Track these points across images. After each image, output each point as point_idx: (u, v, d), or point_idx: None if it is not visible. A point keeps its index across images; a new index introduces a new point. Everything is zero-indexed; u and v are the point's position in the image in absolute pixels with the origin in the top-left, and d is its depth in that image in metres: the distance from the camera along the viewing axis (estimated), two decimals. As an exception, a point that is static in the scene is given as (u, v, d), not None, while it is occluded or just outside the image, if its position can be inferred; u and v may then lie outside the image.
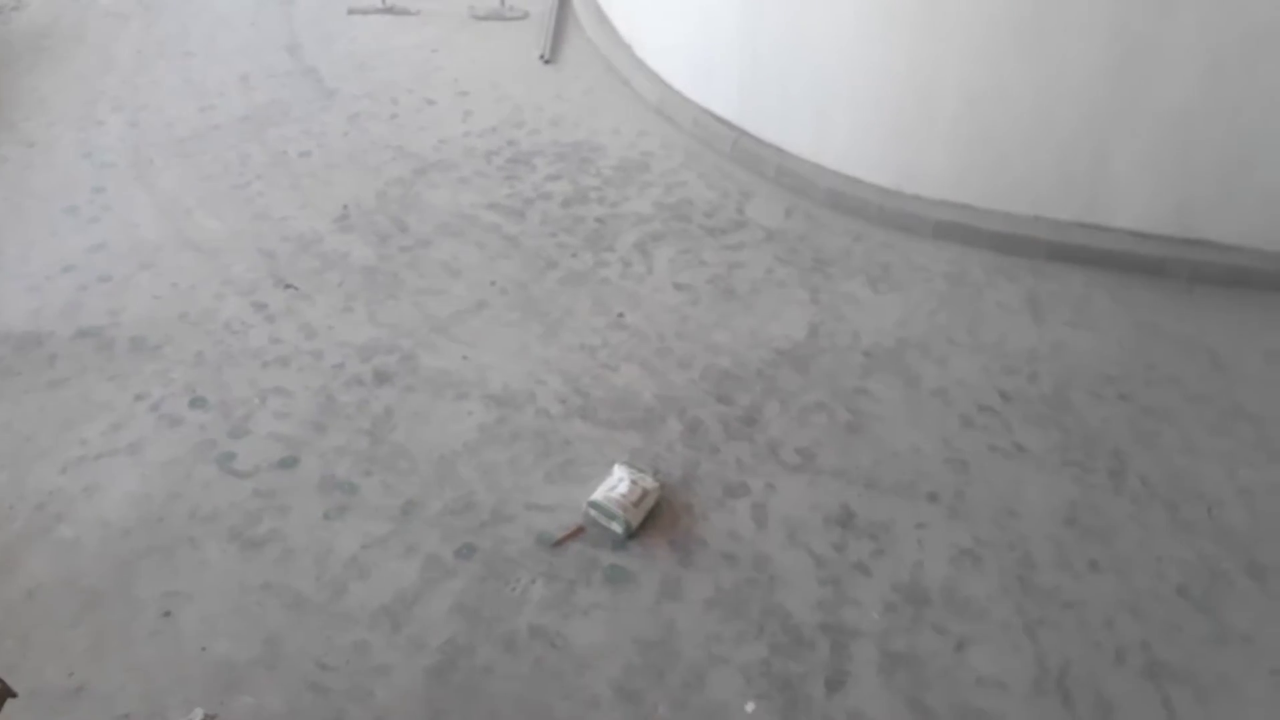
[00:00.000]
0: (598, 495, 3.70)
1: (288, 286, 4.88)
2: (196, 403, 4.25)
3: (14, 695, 2.56)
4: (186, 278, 4.94)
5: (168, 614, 3.43)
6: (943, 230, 5.13)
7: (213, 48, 6.95)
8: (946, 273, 4.96)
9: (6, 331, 4.64)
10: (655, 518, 3.73)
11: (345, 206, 5.42)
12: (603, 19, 6.99)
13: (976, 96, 4.84)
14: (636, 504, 3.67)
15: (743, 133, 5.75)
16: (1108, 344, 4.54)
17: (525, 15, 7.25)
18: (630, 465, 3.85)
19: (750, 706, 3.16)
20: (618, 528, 3.64)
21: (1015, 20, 4.56)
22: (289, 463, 3.98)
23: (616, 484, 3.72)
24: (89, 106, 6.32)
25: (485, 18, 7.24)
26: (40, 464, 3.99)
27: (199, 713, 3.09)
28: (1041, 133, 4.81)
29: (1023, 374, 4.39)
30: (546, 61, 6.74)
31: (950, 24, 4.70)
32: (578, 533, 3.69)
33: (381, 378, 4.37)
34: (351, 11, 7.33)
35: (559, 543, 3.66)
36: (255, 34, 7.12)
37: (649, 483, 3.76)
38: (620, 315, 4.72)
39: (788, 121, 5.54)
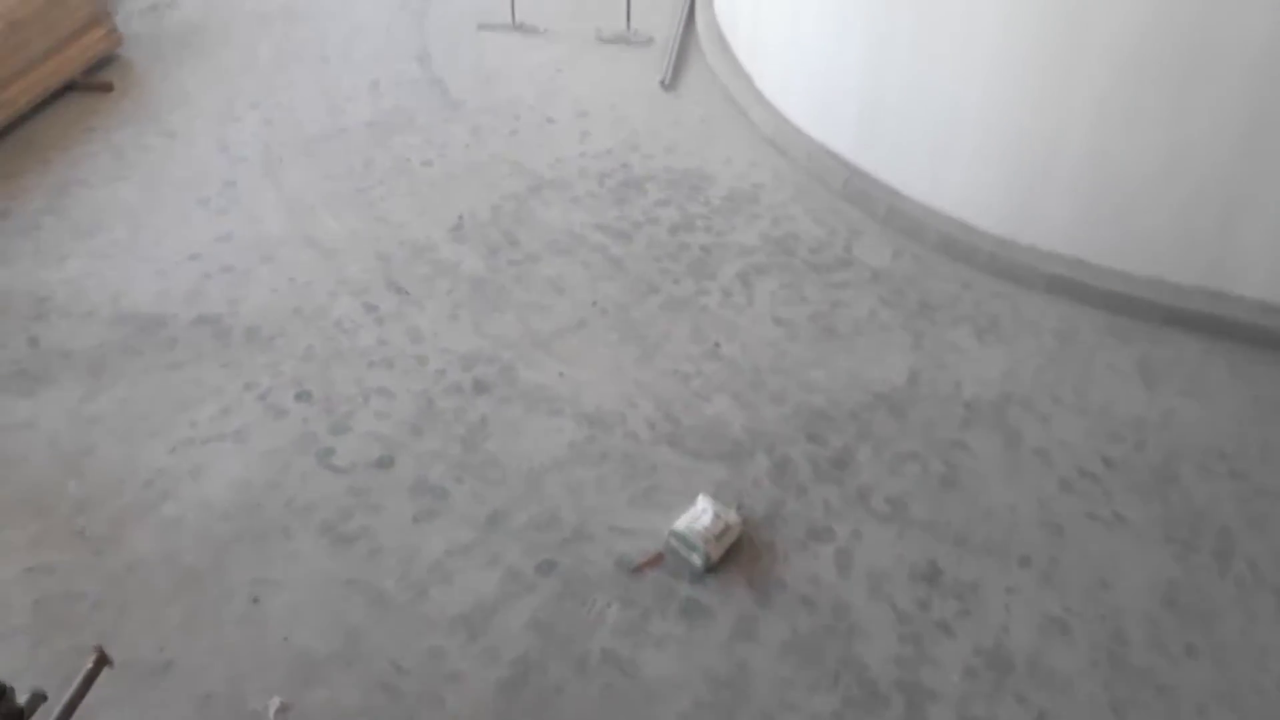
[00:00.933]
0: (680, 525, 3.71)
1: (399, 290, 5.03)
2: (302, 396, 4.42)
3: (110, 664, 2.69)
4: (304, 274, 5.14)
5: (256, 600, 3.56)
6: (1055, 284, 4.98)
7: (347, 54, 7.23)
8: (1056, 329, 4.81)
9: (133, 311, 4.91)
10: (736, 554, 3.72)
11: (460, 217, 5.57)
12: (725, 48, 7.02)
13: (1101, 152, 4.71)
14: (718, 538, 3.66)
15: (856, 170, 5.70)
16: (1222, 418, 4.34)
17: (650, 41, 7.34)
18: (714, 498, 3.84)
19: (817, 756, 3.11)
20: (697, 560, 3.64)
21: (1149, 81, 4.42)
22: (385, 462, 4.10)
23: (700, 515, 3.72)
24: (228, 103, 6.64)
25: (610, 41, 7.35)
26: (152, 443, 4.19)
27: (276, 701, 3.20)
28: (1166, 194, 4.64)
29: (1129, 441, 4.23)
30: (666, 87, 6.80)
31: (1082, 77, 4.59)
32: (657, 560, 3.70)
33: (480, 387, 4.47)
34: (482, 27, 7.53)
35: (638, 569, 3.67)
36: (388, 43, 7.37)
37: (732, 517, 3.74)
38: (717, 345, 4.72)
39: (904, 162, 5.47)
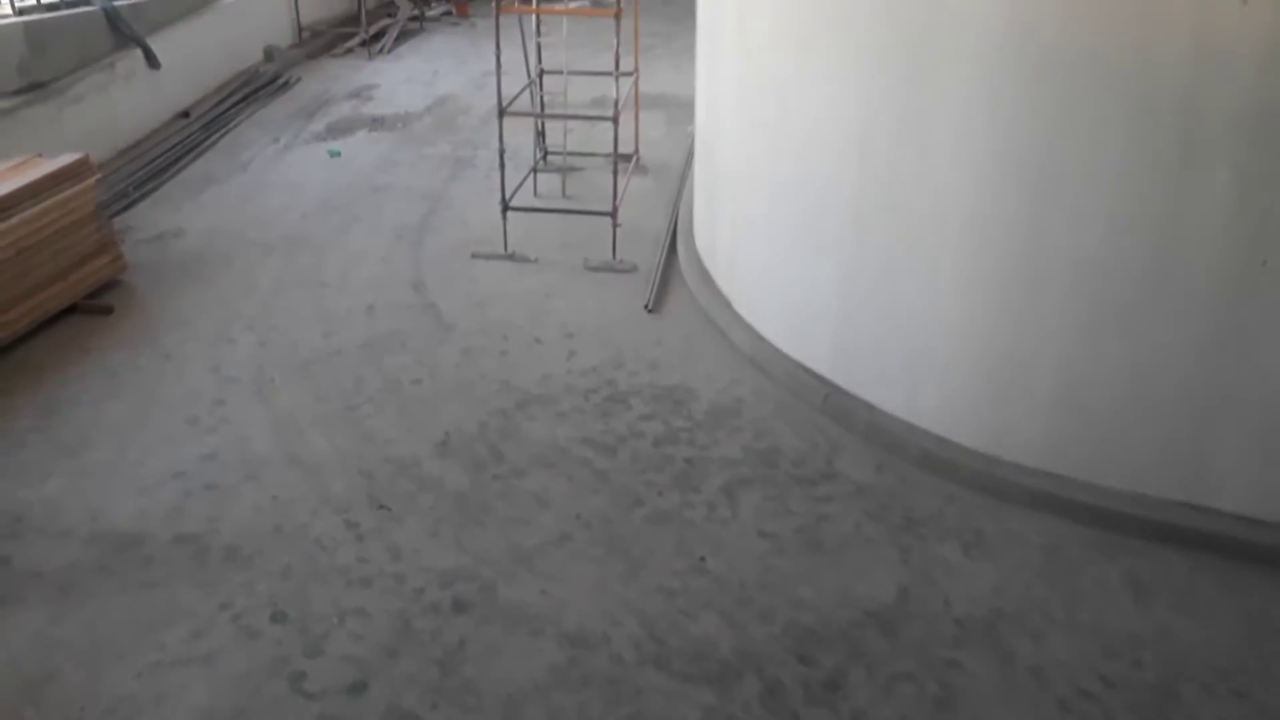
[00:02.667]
0: (666, 753, 3.53)
1: (381, 507, 5.01)
2: (277, 617, 4.30)
3: None
4: (287, 492, 5.13)
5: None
6: (1038, 500, 5.02)
7: (345, 280, 7.53)
8: (1042, 544, 4.80)
9: (111, 530, 4.85)
10: (725, 784, 3.53)
11: (447, 433, 5.63)
12: (705, 274, 7.37)
13: (1073, 368, 4.87)
14: (706, 767, 3.48)
15: (835, 387, 5.85)
16: (1216, 634, 4.26)
17: (634, 268, 7.70)
18: (702, 723, 3.69)
19: None
20: (685, 791, 3.44)
21: (1114, 300, 4.65)
22: (358, 688, 3.94)
23: (687, 742, 3.55)
24: (225, 326, 6.84)
25: (597, 269, 7.71)
26: (117, 667, 4.04)
27: None
28: (1139, 409, 4.77)
29: (1125, 659, 4.13)
30: (650, 310, 7.08)
31: (1050, 298, 4.81)
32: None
33: (459, 606, 4.37)
34: (475, 256, 7.90)
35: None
36: (385, 270, 7.70)
37: (721, 744, 3.58)
38: (703, 559, 4.67)
39: (880, 379, 5.63)
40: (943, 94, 4.86)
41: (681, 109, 10.97)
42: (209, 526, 4.87)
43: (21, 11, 9.37)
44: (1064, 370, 4.90)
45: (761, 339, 6.42)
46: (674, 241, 8.15)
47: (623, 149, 8.24)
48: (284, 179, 9.65)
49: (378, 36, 14.80)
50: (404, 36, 15.26)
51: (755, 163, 6.31)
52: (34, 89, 9.10)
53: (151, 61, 10.63)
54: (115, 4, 10.38)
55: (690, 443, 5.56)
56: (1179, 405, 4.70)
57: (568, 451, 5.48)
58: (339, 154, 10.28)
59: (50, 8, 9.70)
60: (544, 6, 8.80)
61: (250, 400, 5.98)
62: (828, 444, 5.55)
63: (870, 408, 5.66)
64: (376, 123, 11.27)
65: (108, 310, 7.05)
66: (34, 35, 9.16)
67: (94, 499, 5.07)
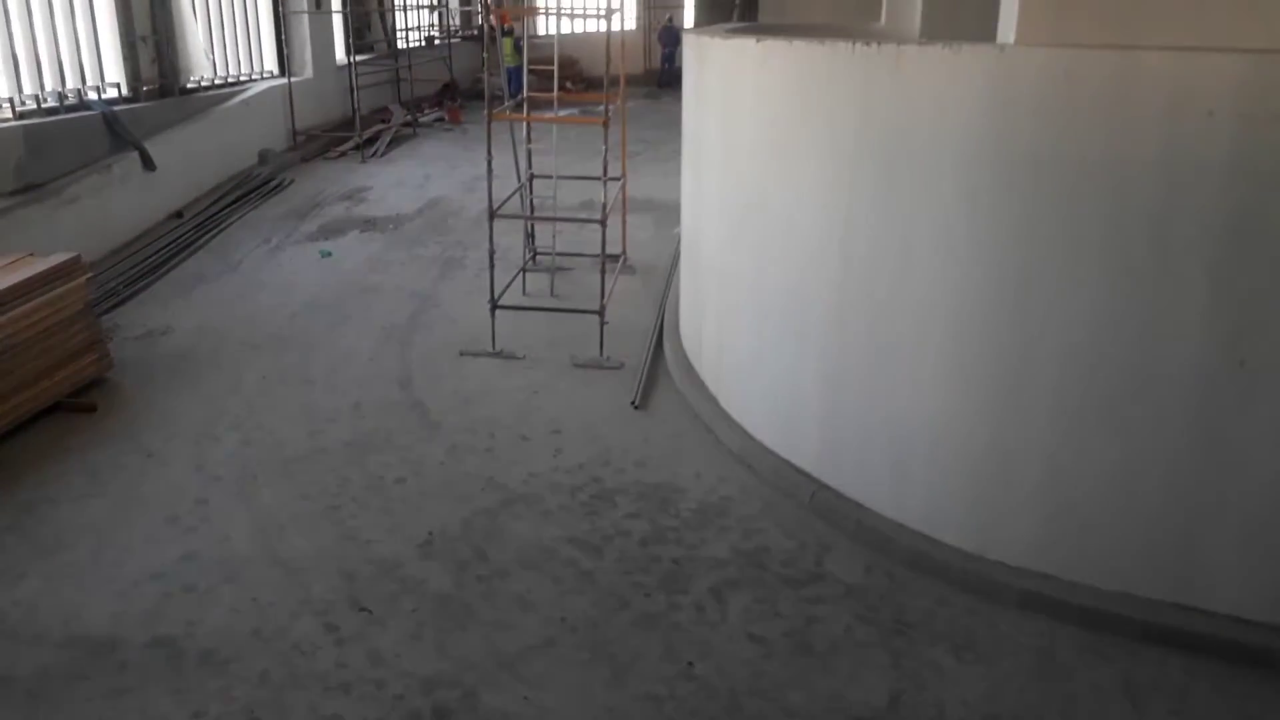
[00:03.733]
0: None
1: (362, 610, 4.91)
2: (252, 725, 4.17)
3: None
4: (267, 594, 5.03)
5: None
6: (1028, 600, 4.96)
7: (332, 378, 7.54)
8: (1035, 646, 4.72)
9: (85, 634, 4.72)
10: None
11: (430, 533, 5.56)
12: (691, 372, 7.42)
13: (1058, 466, 4.88)
14: None
15: (822, 485, 5.83)
16: (1219, 740, 4.17)
17: (621, 365, 7.75)
18: (691, 837, 3.55)
19: None
20: None
21: (1097, 397, 4.68)
22: (333, 800, 3.79)
23: None
24: (209, 424, 6.81)
25: (585, 366, 7.76)
26: (85, 779, 3.88)
27: None
28: (1126, 507, 4.76)
29: (1125, 767, 4.02)
30: (637, 408, 7.10)
31: (1032, 394, 4.85)
32: None
33: (440, 714, 4.24)
34: (463, 354, 7.95)
35: None
36: (372, 368, 7.73)
37: None
38: (690, 664, 4.57)
39: (867, 478, 5.63)
40: (920, 195, 4.99)
41: (668, 212, 11.22)
42: (186, 630, 4.75)
43: (21, 115, 9.57)
44: (1049, 467, 4.91)
45: (748, 436, 6.43)
46: (660, 339, 8.23)
47: (610, 250, 8.39)
48: (274, 278, 9.76)
49: (371, 141, 15.16)
50: (397, 141, 15.64)
51: (739, 263, 6.43)
52: (30, 189, 9.25)
53: (147, 164, 10.86)
54: (114, 109, 10.64)
55: (678, 542, 5.50)
56: (1166, 503, 4.69)
57: (553, 551, 5.41)
58: (330, 254, 10.42)
59: (50, 112, 9.92)
60: (534, 115, 9.07)
61: (232, 499, 5.91)
62: (816, 543, 5.50)
63: (858, 506, 5.64)
64: (368, 224, 11.46)
65: (91, 408, 7.02)
66: (33, 138, 9.36)
67: (69, 601, 4.95)
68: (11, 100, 9.49)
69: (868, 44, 5.10)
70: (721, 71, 6.57)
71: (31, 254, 7.49)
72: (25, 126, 9.34)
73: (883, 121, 5.09)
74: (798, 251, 5.76)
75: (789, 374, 6.00)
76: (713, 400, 6.96)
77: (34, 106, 9.74)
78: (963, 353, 5.03)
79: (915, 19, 9.40)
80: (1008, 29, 6.24)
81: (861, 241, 5.32)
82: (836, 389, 5.69)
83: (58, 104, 10.03)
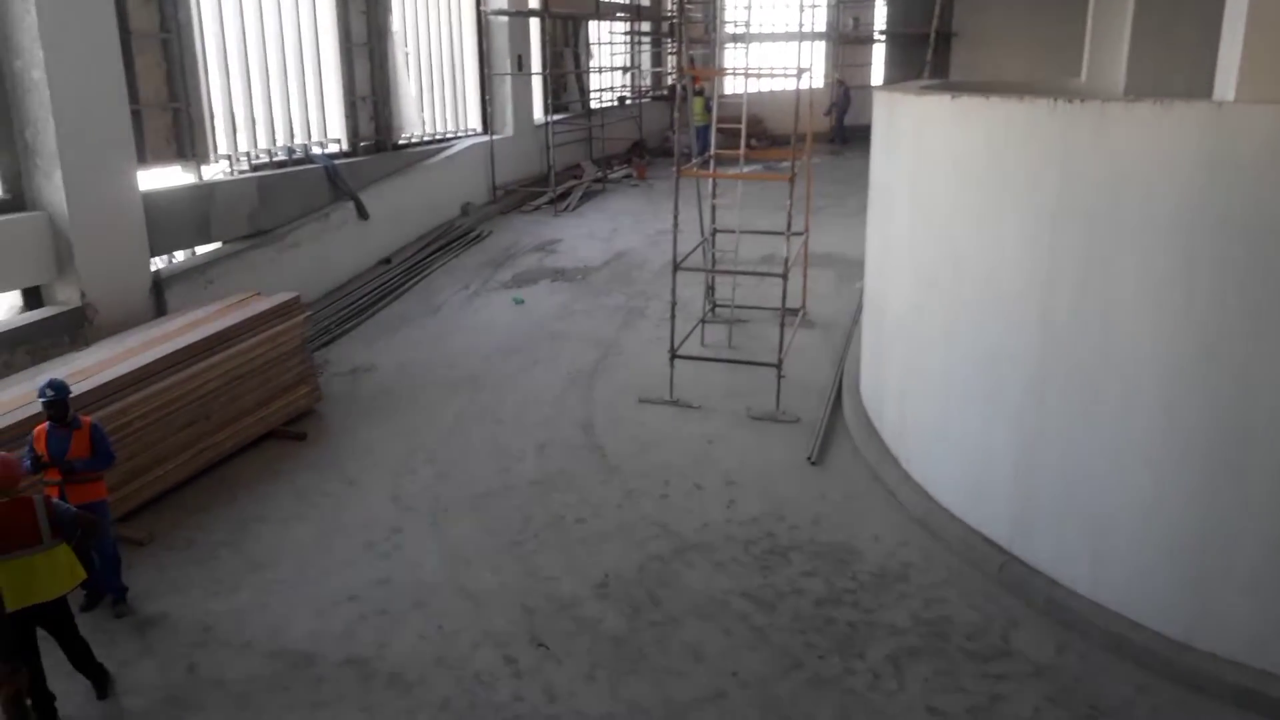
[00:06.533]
0: None
1: (540, 645, 5.04)
2: (434, 748, 4.34)
3: None
4: (452, 623, 5.24)
5: None
6: (1244, 698, 4.53)
7: (520, 419, 7.84)
8: (1251, 748, 4.32)
9: (288, 647, 5.06)
10: None
11: (606, 575, 5.66)
12: (872, 431, 7.26)
13: (1281, 553, 4.47)
14: None
15: (1012, 557, 5.56)
16: None
17: (797, 420, 7.69)
18: None
19: None
20: None
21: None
22: (506, 830, 3.89)
23: None
24: (407, 458, 7.21)
25: (760, 418, 7.74)
26: (283, 783, 4.14)
27: None
28: (1365, 602, 4.30)
29: None
30: (813, 463, 7.01)
31: (1254, 471, 4.48)
32: None
33: (611, 756, 4.29)
34: (642, 401, 8.10)
35: None
36: (557, 411, 7.99)
37: None
38: (865, 732, 4.43)
39: (1063, 552, 5.32)
40: (1127, 257, 4.75)
41: (850, 267, 11.09)
42: (377, 651, 5.01)
43: (256, 167, 10.56)
44: (1271, 553, 4.50)
45: (932, 500, 6.22)
46: (839, 395, 8.11)
47: (791, 303, 8.38)
48: (471, 323, 10.28)
49: (564, 195, 15.83)
50: (587, 196, 16.24)
51: (927, 322, 6.28)
52: (260, 235, 10.16)
53: (361, 213, 11.71)
54: (334, 162, 11.57)
55: (854, 605, 5.37)
56: None
57: (725, 604, 5.39)
58: (522, 301, 10.90)
59: (279, 165, 10.89)
60: (720, 172, 9.23)
61: (425, 529, 6.22)
62: (1004, 617, 5.24)
63: (1051, 581, 5.34)
64: (558, 274, 11.91)
65: (301, 437, 7.57)
66: (264, 189, 10.30)
67: (275, 615, 5.33)
68: (248, 154, 10.49)
69: (1069, 101, 4.95)
70: (913, 128, 6.51)
71: (257, 293, 8.22)
72: (259, 178, 10.30)
73: (1086, 180, 4.90)
74: (992, 313, 5.58)
75: (979, 439, 5.78)
76: (894, 461, 6.78)
77: (266, 160, 10.73)
78: (1174, 424, 4.71)
79: (1119, 75, 9.00)
80: (1226, 85, 5.89)
81: (1062, 304, 5.10)
82: (1031, 456, 5.43)
83: (286, 157, 11.01)
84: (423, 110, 14.06)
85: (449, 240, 13.23)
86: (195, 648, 5.07)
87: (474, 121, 15.82)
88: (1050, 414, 5.29)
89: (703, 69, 14.24)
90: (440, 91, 14.85)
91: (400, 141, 13.21)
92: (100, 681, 4.72)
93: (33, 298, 7.76)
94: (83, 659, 4.67)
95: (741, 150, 9.03)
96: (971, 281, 5.73)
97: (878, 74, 22.41)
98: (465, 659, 4.95)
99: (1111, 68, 9.34)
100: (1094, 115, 4.84)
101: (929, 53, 14.16)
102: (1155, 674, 4.77)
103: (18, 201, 7.54)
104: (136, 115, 8.48)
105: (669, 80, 23.77)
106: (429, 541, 6.08)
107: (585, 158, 18.18)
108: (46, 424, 5.22)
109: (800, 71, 8.17)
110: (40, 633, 4.49)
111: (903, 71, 19.92)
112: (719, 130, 9.66)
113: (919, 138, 6.42)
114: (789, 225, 7.93)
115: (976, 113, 5.68)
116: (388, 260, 12.21)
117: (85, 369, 6.51)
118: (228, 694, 4.72)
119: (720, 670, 4.85)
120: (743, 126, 8.98)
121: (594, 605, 5.39)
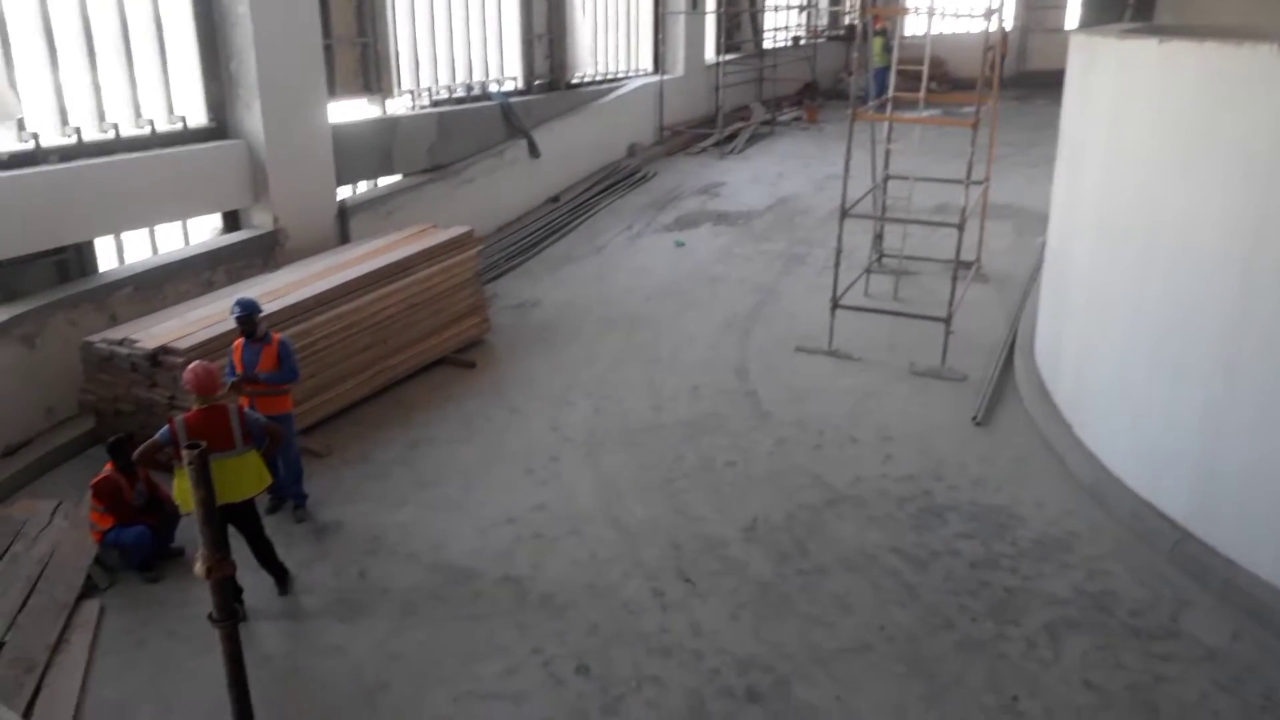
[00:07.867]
0: None
1: (687, 580, 5.13)
2: (581, 670, 4.51)
3: None
4: (604, 551, 5.40)
5: None
6: None
7: (676, 360, 7.91)
8: None
9: (449, 561, 5.34)
10: None
11: (754, 519, 5.68)
12: (1044, 394, 6.94)
13: None
14: None
15: (1188, 535, 5.24)
16: None
17: (964, 378, 7.43)
18: None
19: None
20: None
21: None
22: (647, 754, 4.01)
23: None
24: (566, 390, 7.41)
25: (923, 374, 7.52)
26: (439, 689, 4.41)
27: None
28: None
29: None
30: (978, 423, 6.77)
31: None
32: None
33: (753, 696, 4.34)
34: (799, 349, 8.01)
35: None
36: (712, 354, 8.01)
37: None
38: (1015, 699, 4.31)
39: (1247, 534, 4.97)
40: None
41: (1031, 220, 10.56)
42: (531, 572, 5.23)
43: (436, 103, 10.90)
44: None
45: (1103, 469, 5.92)
46: (1011, 354, 7.78)
47: (964, 256, 8.04)
48: (632, 263, 10.38)
49: (730, 138, 15.64)
50: (754, 139, 16.00)
51: (1115, 281, 5.91)
52: (437, 169, 10.53)
53: (534, 151, 11.94)
54: (510, 100, 11.81)
55: (1012, 571, 5.20)
56: None
57: (875, 558, 5.32)
58: (684, 244, 10.92)
59: (458, 101, 11.20)
60: (898, 115, 8.89)
61: (581, 460, 6.40)
62: (1174, 597, 4.96)
63: (1229, 563, 5.00)
64: (720, 218, 11.84)
65: (471, 365, 7.89)
66: (444, 124, 10.63)
67: (439, 531, 5.63)
68: (429, 89, 10.83)
69: (1294, 45, 4.49)
70: (1114, 75, 6.06)
71: (434, 226, 8.54)
72: (439, 114, 10.64)
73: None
74: (1188, 274, 5.19)
75: (1161, 406, 5.43)
76: (1066, 426, 6.47)
77: (445, 95, 11.06)
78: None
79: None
80: None
81: (1269, 265, 4.69)
82: (1219, 431, 5.07)
83: (465, 94, 11.32)
84: (596, 49, 14.13)
85: (614, 181, 13.35)
86: (366, 555, 5.43)
87: (645, 61, 15.79)
88: (1243, 382, 4.90)
89: (885, 7, 13.66)
90: (614, 30, 14.87)
91: (573, 81, 13.34)
92: (282, 579, 5.13)
93: (231, 221, 8.33)
94: (267, 557, 5.08)
95: (922, 94, 8.66)
96: (1167, 237, 5.33)
97: (1072, 18, 20.95)
98: (615, 587, 5.09)
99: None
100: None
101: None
102: (1344, 671, 4.43)
103: (221, 130, 8.07)
104: (328, 49, 8.88)
105: (847, 19, 22.97)
106: (584, 471, 6.25)
107: (754, 99, 17.87)
108: (242, 339, 5.62)
109: (990, 12, 7.73)
110: (230, 531, 4.90)
111: (1098, 16, 18.55)
112: (898, 72, 9.29)
113: (1119, 84, 5.98)
114: (969, 173, 7.58)
115: (1187, 58, 5.24)
116: (556, 199, 12.44)
117: (276, 290, 6.97)
118: (393, 601, 5.04)
119: (867, 623, 4.82)
120: (924, 69, 8.61)
121: (741, 548, 5.43)
